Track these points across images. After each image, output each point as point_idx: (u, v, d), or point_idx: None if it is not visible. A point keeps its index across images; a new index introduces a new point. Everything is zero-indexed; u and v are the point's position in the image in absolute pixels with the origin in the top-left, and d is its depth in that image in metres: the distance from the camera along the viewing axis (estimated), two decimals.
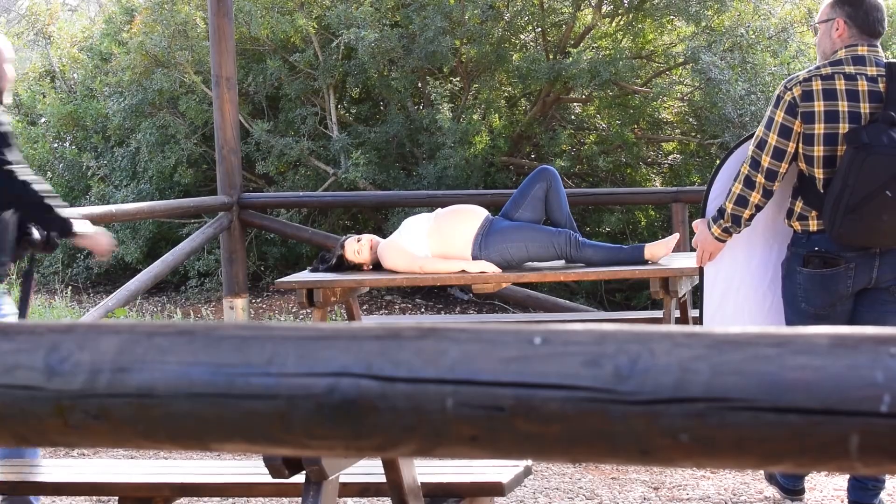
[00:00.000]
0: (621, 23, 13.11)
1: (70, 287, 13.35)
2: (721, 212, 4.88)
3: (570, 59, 12.33)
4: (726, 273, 5.08)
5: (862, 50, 4.79)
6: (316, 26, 12.89)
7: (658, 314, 7.67)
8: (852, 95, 4.72)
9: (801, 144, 4.75)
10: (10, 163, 4.79)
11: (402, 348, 1.31)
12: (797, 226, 4.82)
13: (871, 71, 4.75)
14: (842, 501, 5.53)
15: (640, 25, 12.95)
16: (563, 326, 1.30)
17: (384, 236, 7.54)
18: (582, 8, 12.99)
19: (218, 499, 5.62)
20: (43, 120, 14.65)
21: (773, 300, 5.06)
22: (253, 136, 12.76)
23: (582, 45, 12.89)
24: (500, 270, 6.96)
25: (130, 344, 1.37)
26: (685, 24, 12.93)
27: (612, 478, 5.96)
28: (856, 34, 4.81)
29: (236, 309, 9.73)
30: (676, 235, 7.25)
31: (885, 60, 4.81)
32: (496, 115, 13.14)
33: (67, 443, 1.44)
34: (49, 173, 13.98)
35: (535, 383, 1.26)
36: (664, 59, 13.19)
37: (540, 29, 13.18)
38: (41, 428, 1.40)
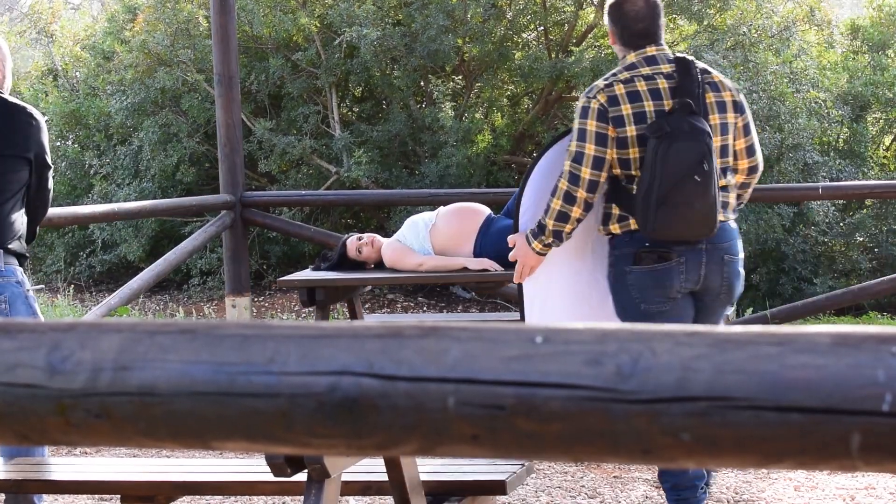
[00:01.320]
0: None
1: (72, 285, 13.36)
2: (542, 228, 4.80)
3: (573, 57, 12.33)
4: (544, 284, 5.02)
5: (651, 51, 4.84)
6: (318, 25, 12.89)
7: None
8: (655, 94, 4.75)
9: (615, 149, 4.72)
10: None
11: (403, 347, 1.31)
12: (616, 228, 4.77)
13: (666, 68, 4.80)
14: (843, 500, 5.53)
15: None
16: (564, 325, 1.30)
17: (386, 235, 7.54)
18: (584, 6, 12.99)
19: (220, 497, 5.62)
20: (46, 118, 14.66)
21: (593, 304, 5.03)
22: (255, 135, 12.77)
23: (584, 43, 12.90)
24: (502, 268, 6.96)
25: (132, 342, 1.37)
26: (688, 22, 12.93)
27: (614, 476, 5.96)
28: (622, 44, 4.87)
29: (238, 307, 9.74)
30: None
31: (673, 55, 4.86)
32: (498, 113, 13.15)
33: (69, 441, 1.45)
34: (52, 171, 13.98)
35: (536, 382, 1.26)
36: None
37: (542, 27, 13.18)
38: (43, 426, 1.41)
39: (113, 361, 1.37)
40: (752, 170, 4.95)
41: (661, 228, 4.65)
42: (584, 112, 4.75)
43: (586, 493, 5.70)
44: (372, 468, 4.25)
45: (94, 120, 14.01)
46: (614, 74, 4.81)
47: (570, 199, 4.71)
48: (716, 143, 4.74)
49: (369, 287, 10.26)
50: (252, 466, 4.44)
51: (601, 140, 4.71)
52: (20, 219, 4.82)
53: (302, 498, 3.87)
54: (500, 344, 1.29)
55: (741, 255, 4.88)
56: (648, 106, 4.72)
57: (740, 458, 1.26)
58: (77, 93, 14.54)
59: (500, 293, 10.29)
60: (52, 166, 5.04)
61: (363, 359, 1.31)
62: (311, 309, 7.77)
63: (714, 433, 1.23)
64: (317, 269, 7.37)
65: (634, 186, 4.69)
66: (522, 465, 4.31)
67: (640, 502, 5.56)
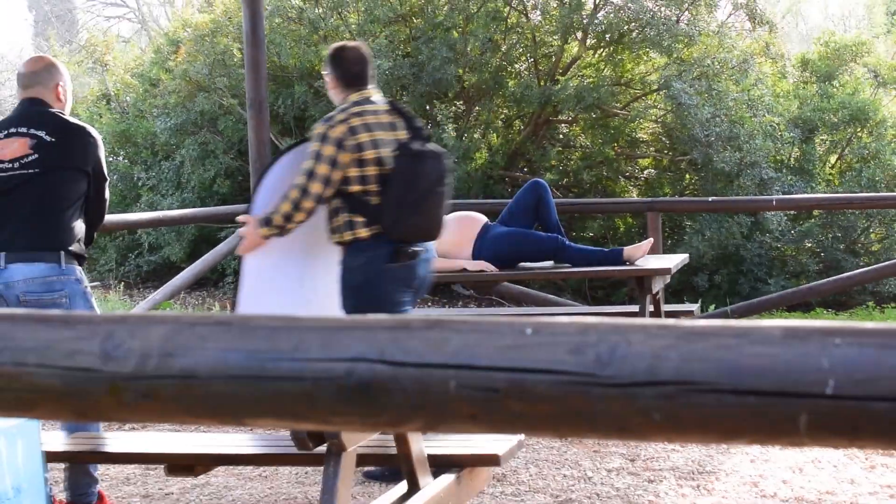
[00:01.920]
0: (603, 54, 13.10)
1: (122, 283, 13.35)
2: (268, 221, 4.99)
3: (559, 85, 12.33)
4: (260, 264, 5.16)
5: (367, 93, 5.15)
6: None
7: (634, 308, 7.67)
8: (383, 126, 5.07)
9: (353, 169, 5.00)
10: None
11: (411, 337, 1.31)
12: (365, 233, 5.02)
13: (383, 106, 5.15)
14: (793, 471, 5.53)
15: (619, 57, 12.94)
16: (551, 319, 1.30)
17: None
18: (569, 41, 12.98)
19: (251, 467, 5.62)
20: (101, 137, 14.66)
21: (308, 297, 5.22)
22: None
23: (569, 73, 12.89)
24: (497, 269, 6.96)
25: (175, 332, 1.38)
26: (659, 55, 12.93)
27: (593, 450, 5.96)
28: (344, 85, 5.15)
29: None
30: (650, 240, 7.24)
31: (385, 99, 5.23)
32: (494, 134, 13.14)
33: (121, 419, 1.45)
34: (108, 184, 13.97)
35: (526, 368, 1.27)
36: (640, 86, 13.18)
37: (532, 59, 13.18)
38: (98, 406, 1.41)
39: (159, 349, 1.37)
40: None
41: (411, 231, 5.02)
42: (323, 138, 5.04)
43: (570, 465, 5.70)
44: (383, 442, 4.25)
45: (141, 139, 14.01)
46: (345, 110, 5.10)
47: (297, 205, 4.97)
48: None
49: None
50: (279, 441, 4.43)
51: (333, 163, 4.99)
52: (80, 224, 4.82)
53: (322, 468, 3.87)
54: (495, 335, 1.29)
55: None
56: (384, 135, 5.05)
57: (703, 435, 1.26)
58: (127, 115, 14.54)
59: (496, 291, 10.27)
60: (108, 179, 5.04)
61: (376, 347, 1.31)
62: None
63: (681, 413, 1.24)
64: None
65: (374, 198, 5.00)
66: (514, 440, 4.31)
67: (617, 472, 5.55)
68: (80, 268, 4.79)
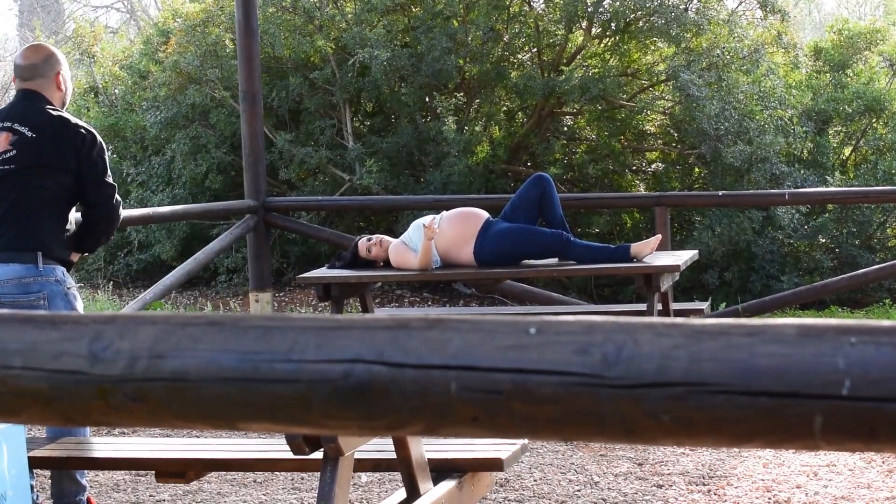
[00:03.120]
0: (609, 44, 13.10)
1: (111, 282, 13.35)
2: None
3: (563, 76, 12.32)
4: None
5: None
6: (333, 47, 12.88)
7: (642, 307, 7.67)
8: None
9: None
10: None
11: (410, 337, 1.31)
12: None
13: None
14: (807, 476, 5.53)
15: (625, 46, 12.94)
16: (555, 318, 1.30)
17: (395, 236, 7.54)
18: (573, 30, 12.97)
19: (244, 473, 5.62)
20: None
21: None
22: (276, 146, 12.76)
23: (573, 63, 12.89)
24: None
25: (166, 333, 1.37)
26: (666, 45, 12.92)
27: (600, 455, 5.96)
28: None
29: (261, 302, 9.73)
30: (659, 236, 7.24)
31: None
32: (496, 126, 13.14)
33: (109, 422, 1.45)
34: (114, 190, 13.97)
35: (530, 369, 1.26)
36: (647, 77, 13.18)
37: (535, 49, 13.17)
38: (85, 409, 1.41)
39: (148, 350, 1.37)
40: None
41: None
42: None
43: (575, 470, 5.70)
44: (382, 447, 4.25)
45: (130, 133, 14.00)
46: None
47: None
48: None
49: (379, 283, 10.25)
50: (273, 446, 4.43)
51: None
52: (63, 225, 4.78)
53: (318, 474, 3.87)
54: (497, 335, 1.29)
55: None
56: None
57: (714, 438, 1.26)
58: (116, 108, 14.53)
59: (497, 289, 10.28)
60: (114, 185, 4.93)
61: (374, 348, 1.31)
62: (326, 303, 7.76)
63: (691, 415, 1.23)
64: (332, 267, 7.37)
65: None
66: (518, 444, 4.31)
67: (624, 477, 5.55)
68: (62, 268, 4.76)
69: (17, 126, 4.76)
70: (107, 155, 4.94)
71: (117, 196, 4.94)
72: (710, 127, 11.98)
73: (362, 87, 12.84)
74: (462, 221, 7.07)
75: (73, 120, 4.87)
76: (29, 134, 4.75)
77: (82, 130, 4.83)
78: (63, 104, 4.93)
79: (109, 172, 4.95)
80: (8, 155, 4.72)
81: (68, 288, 4.75)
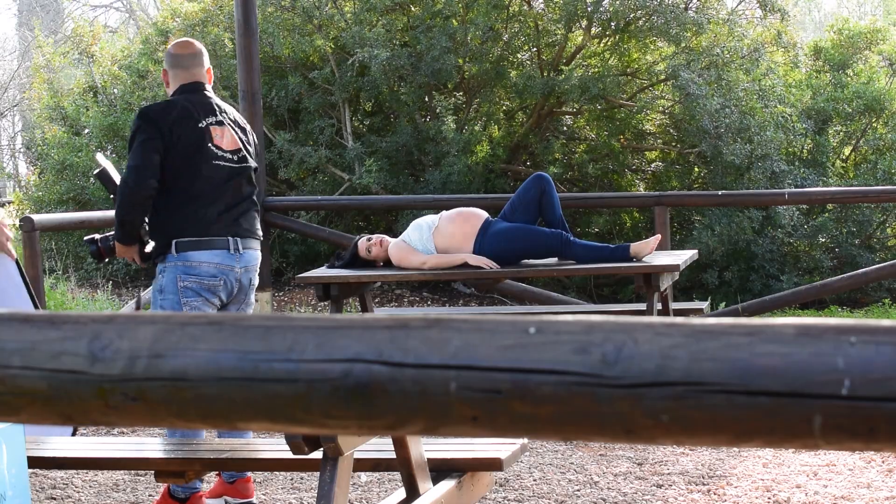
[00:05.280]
0: (608, 43, 13.10)
1: (111, 282, 13.35)
2: None
3: (563, 76, 12.32)
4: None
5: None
6: (333, 46, 12.88)
7: (642, 306, 7.67)
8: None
9: None
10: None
11: (409, 337, 1.31)
12: None
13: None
14: (807, 476, 5.53)
15: (625, 46, 12.94)
16: (555, 317, 1.30)
17: (394, 236, 7.53)
18: (573, 30, 12.97)
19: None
20: (86, 131, 14.65)
21: None
22: (276, 146, 12.76)
23: (573, 63, 12.89)
24: (498, 266, 6.96)
25: (165, 333, 1.37)
26: (666, 44, 12.92)
27: (599, 454, 5.96)
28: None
29: (261, 301, 9.74)
30: (658, 236, 7.23)
31: None
32: (495, 126, 13.14)
33: (108, 422, 1.45)
34: (92, 179, 13.97)
35: (529, 369, 1.26)
36: (647, 76, 13.18)
37: (535, 48, 13.17)
38: (85, 408, 1.41)
39: (148, 350, 1.37)
40: None
41: None
42: None
43: (575, 469, 5.70)
44: (381, 446, 4.25)
45: (130, 133, 14.00)
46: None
47: None
48: None
49: (379, 283, 10.24)
50: (273, 445, 4.43)
51: None
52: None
53: (318, 473, 3.87)
54: (497, 334, 1.29)
55: None
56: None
57: (714, 437, 1.26)
58: (115, 108, 14.53)
59: (498, 289, 10.28)
60: (131, 165, 5.00)
61: (373, 348, 1.31)
62: (326, 303, 7.76)
63: (690, 415, 1.24)
64: (331, 266, 7.37)
65: None
66: (517, 444, 4.31)
67: (624, 476, 5.55)
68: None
69: (229, 121, 5.15)
70: (136, 134, 5.07)
71: (131, 178, 4.98)
72: (710, 124, 11.98)
73: (361, 86, 12.83)
74: (461, 221, 7.07)
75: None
76: (240, 134, 5.20)
77: (136, 117, 5.18)
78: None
79: (134, 153, 5.04)
80: (243, 153, 5.16)
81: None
